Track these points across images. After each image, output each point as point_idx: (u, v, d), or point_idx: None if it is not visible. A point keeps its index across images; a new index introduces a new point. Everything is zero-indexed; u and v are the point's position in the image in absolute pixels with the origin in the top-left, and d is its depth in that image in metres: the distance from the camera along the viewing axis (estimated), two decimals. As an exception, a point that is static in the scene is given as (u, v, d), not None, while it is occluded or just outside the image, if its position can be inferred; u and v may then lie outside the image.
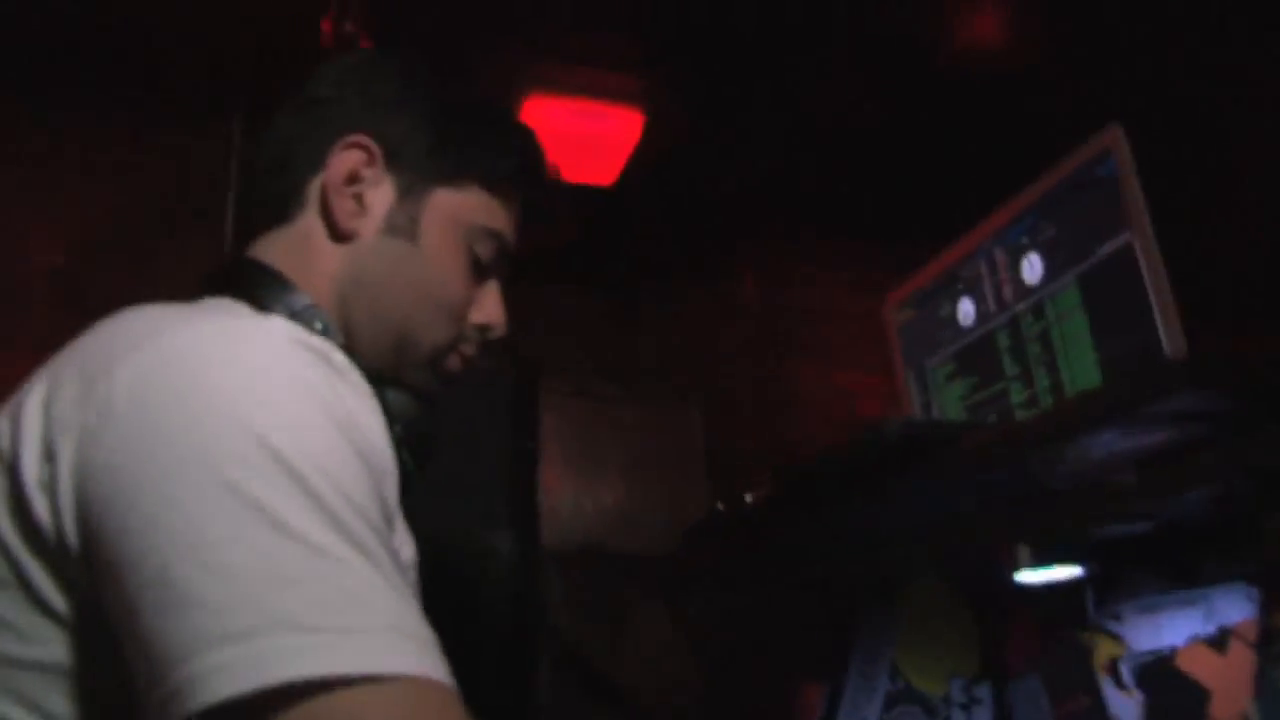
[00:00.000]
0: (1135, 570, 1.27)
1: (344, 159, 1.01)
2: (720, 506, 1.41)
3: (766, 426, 3.79)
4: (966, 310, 1.64)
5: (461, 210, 1.05)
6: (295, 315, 0.95)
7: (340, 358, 0.84)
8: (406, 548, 0.91)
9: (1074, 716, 1.44)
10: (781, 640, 1.65)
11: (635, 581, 2.90)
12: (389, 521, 0.80)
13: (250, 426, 0.72)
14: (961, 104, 3.14)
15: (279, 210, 1.03)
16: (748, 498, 1.35)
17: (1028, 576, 1.28)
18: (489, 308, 1.09)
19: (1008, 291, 1.55)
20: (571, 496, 3.25)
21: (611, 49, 2.61)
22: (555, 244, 2.90)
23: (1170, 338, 1.26)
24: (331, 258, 1.01)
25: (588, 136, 2.75)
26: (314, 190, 1.02)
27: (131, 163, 3.23)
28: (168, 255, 3.14)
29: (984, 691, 1.60)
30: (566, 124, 2.71)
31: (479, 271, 1.07)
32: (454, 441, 2.67)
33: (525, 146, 1.12)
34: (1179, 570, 1.29)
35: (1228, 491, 0.97)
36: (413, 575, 0.91)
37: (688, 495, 3.50)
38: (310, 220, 1.02)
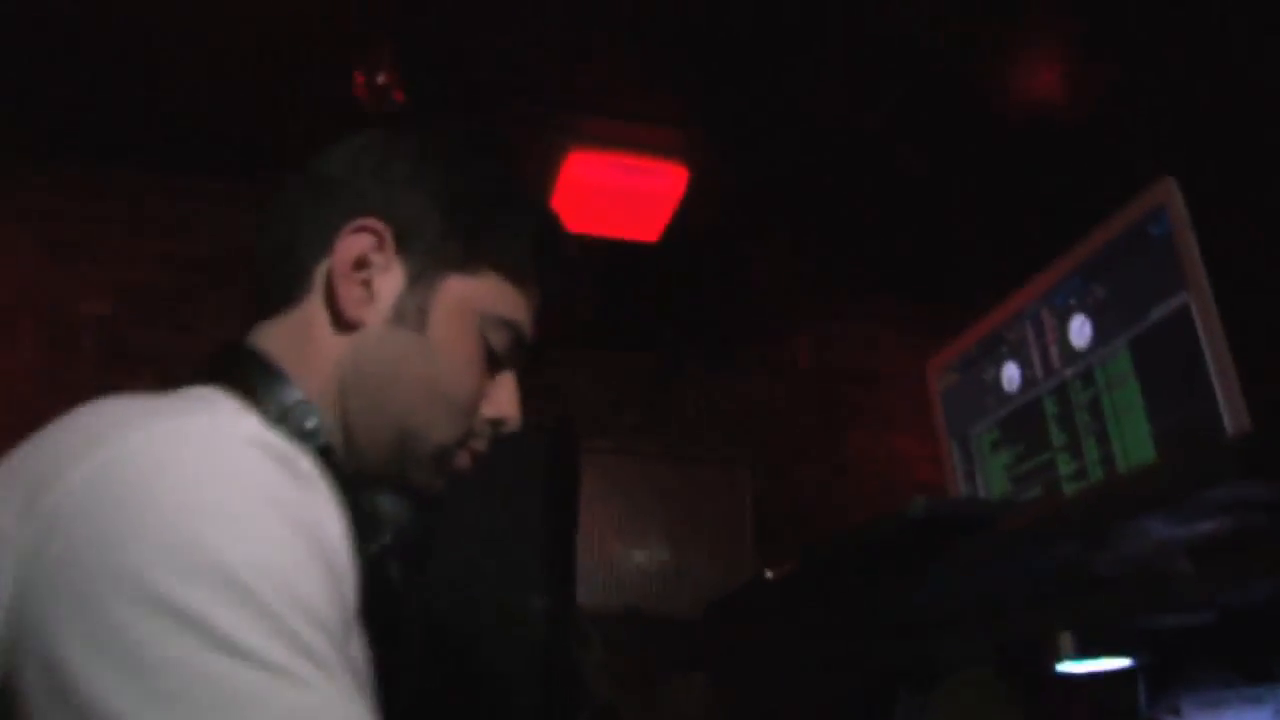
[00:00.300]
0: (1196, 662, 1.16)
1: (351, 243, 0.96)
2: (768, 574, 1.33)
3: (820, 491, 3.69)
4: (1011, 375, 1.54)
5: (475, 299, 0.99)
6: (287, 410, 0.90)
7: (306, 465, 0.81)
8: (360, 654, 0.86)
9: (1129, 819, 1.32)
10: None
11: (673, 649, 2.80)
12: (348, 627, 0.76)
13: (195, 540, 0.67)
14: (1023, 160, 3.05)
15: (283, 294, 0.98)
16: (768, 574, 1.26)
17: (1071, 667, 1.17)
18: (503, 401, 1.03)
19: (1055, 356, 1.45)
20: (611, 558, 3.16)
21: (656, 104, 2.57)
22: (578, 317, 2.86)
23: (1231, 410, 1.16)
24: (334, 347, 0.96)
25: (630, 192, 2.69)
26: (320, 275, 0.97)
27: (177, 220, 3.26)
28: (210, 308, 3.15)
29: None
30: (608, 179, 2.66)
31: (493, 362, 1.01)
32: (490, 501, 2.61)
33: (545, 231, 1.07)
34: (1245, 663, 1.18)
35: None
36: (366, 680, 0.85)
37: (734, 559, 3.39)
38: (314, 306, 0.96)
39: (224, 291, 3.11)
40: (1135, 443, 1.29)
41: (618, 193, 2.68)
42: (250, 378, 0.91)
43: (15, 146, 3.01)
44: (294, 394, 0.91)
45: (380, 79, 2.12)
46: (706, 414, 3.64)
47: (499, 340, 1.01)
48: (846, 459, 3.70)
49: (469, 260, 0.99)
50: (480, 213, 1.01)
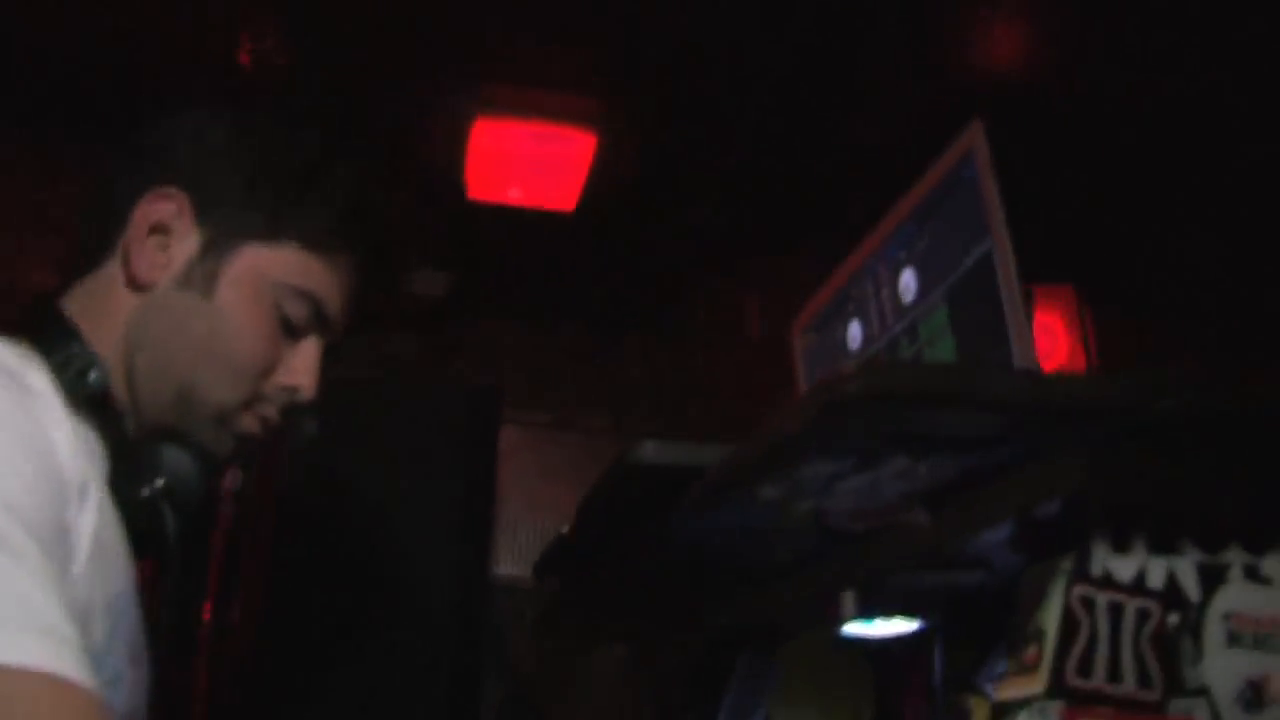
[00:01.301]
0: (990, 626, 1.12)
1: (150, 208, 1.01)
2: (563, 529, 1.31)
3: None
4: (855, 333, 1.49)
5: (271, 268, 1.03)
6: (70, 359, 0.95)
7: (38, 380, 0.89)
8: (117, 579, 0.91)
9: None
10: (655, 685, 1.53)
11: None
12: (62, 528, 0.82)
13: None
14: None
15: (91, 256, 1.04)
16: (564, 529, 1.24)
17: (858, 629, 1.14)
18: (297, 369, 1.06)
19: (889, 311, 1.40)
20: (545, 535, 3.13)
21: (565, 69, 2.52)
22: (416, 290, 2.85)
23: (1023, 357, 1.11)
24: (126, 307, 1.01)
25: (541, 160, 2.65)
26: (119, 234, 1.02)
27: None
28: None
29: (875, 756, 1.45)
30: (518, 147, 2.62)
31: (290, 332, 1.05)
32: (412, 470, 2.59)
33: (358, 204, 1.09)
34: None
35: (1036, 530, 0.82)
36: (125, 603, 0.92)
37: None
38: (114, 268, 1.02)
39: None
40: (947, 397, 1.25)
41: (528, 161, 2.64)
42: (43, 331, 0.97)
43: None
44: (80, 347, 0.96)
45: (267, 43, 2.09)
46: (652, 386, 3.59)
47: (296, 310, 1.04)
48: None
49: (269, 231, 1.03)
50: (284, 185, 1.05)
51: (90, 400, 0.95)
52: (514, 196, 2.74)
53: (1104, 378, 0.70)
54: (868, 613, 1.08)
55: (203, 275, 1.01)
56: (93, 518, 0.87)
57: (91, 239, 1.04)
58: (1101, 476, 0.73)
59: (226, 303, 1.02)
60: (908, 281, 1.35)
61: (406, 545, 2.56)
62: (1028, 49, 3.16)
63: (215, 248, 1.02)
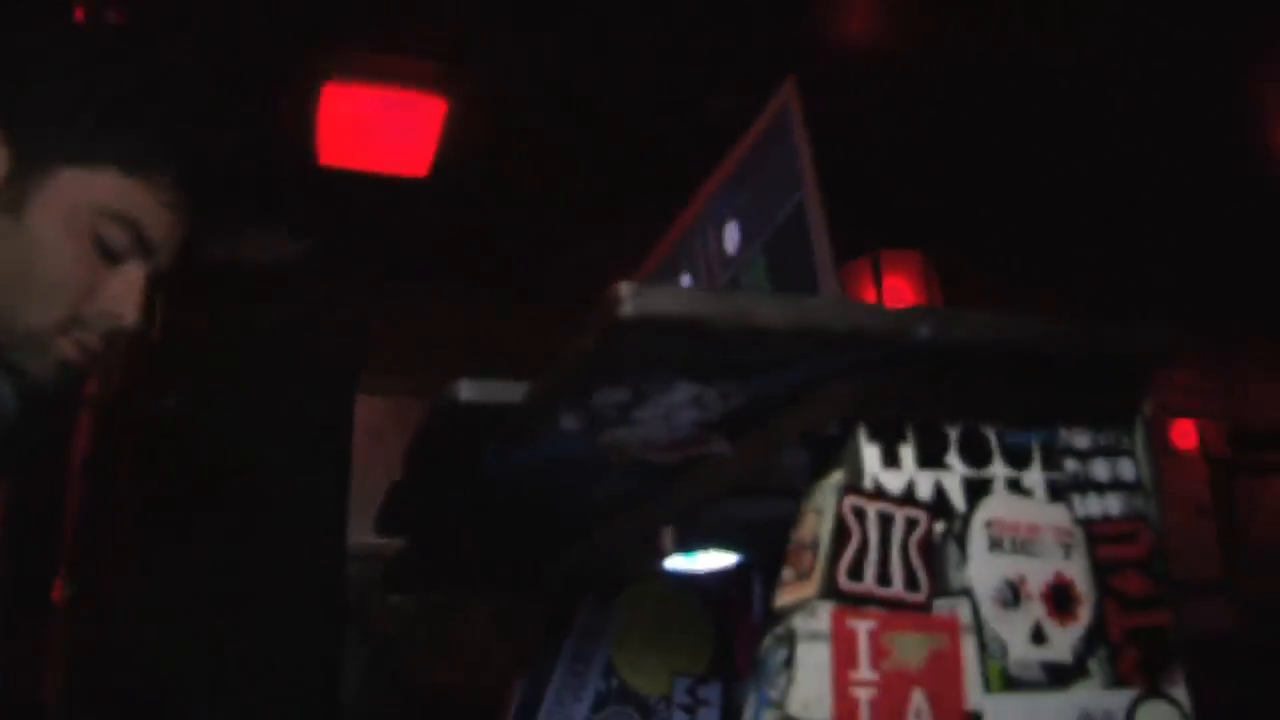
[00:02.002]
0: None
1: None
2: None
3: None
4: (684, 286, 1.55)
5: (87, 191, 1.02)
6: None
7: None
8: None
9: None
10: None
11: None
12: None
13: None
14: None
15: None
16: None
17: (678, 563, 1.19)
18: (116, 294, 1.05)
19: (715, 265, 1.46)
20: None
21: (416, 35, 2.52)
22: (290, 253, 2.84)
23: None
24: None
25: (393, 125, 2.65)
26: None
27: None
28: None
29: (712, 692, 1.51)
30: (369, 112, 2.61)
31: (110, 257, 1.03)
32: (271, 440, 2.57)
33: (172, 128, 1.08)
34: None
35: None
36: None
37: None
38: None
39: None
40: (767, 343, 1.31)
41: (379, 126, 2.63)
42: None
43: None
44: None
45: (106, 3, 2.05)
46: (516, 354, 3.60)
47: (115, 235, 1.03)
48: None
49: (86, 154, 1.01)
50: (103, 109, 1.02)
51: None
52: (366, 162, 2.73)
53: (866, 306, 0.76)
54: (687, 547, 1.13)
55: (10, 198, 1.00)
56: None
57: None
58: (872, 398, 0.79)
59: (35, 224, 1.00)
60: (731, 234, 1.40)
61: (265, 516, 2.55)
62: (885, 19, 3.25)
63: (26, 169, 1.00)
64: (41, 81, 1.02)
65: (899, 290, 3.40)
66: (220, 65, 2.43)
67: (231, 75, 2.26)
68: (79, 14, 2.02)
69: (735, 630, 1.49)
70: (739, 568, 1.25)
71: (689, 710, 1.49)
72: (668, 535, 1.11)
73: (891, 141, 3.33)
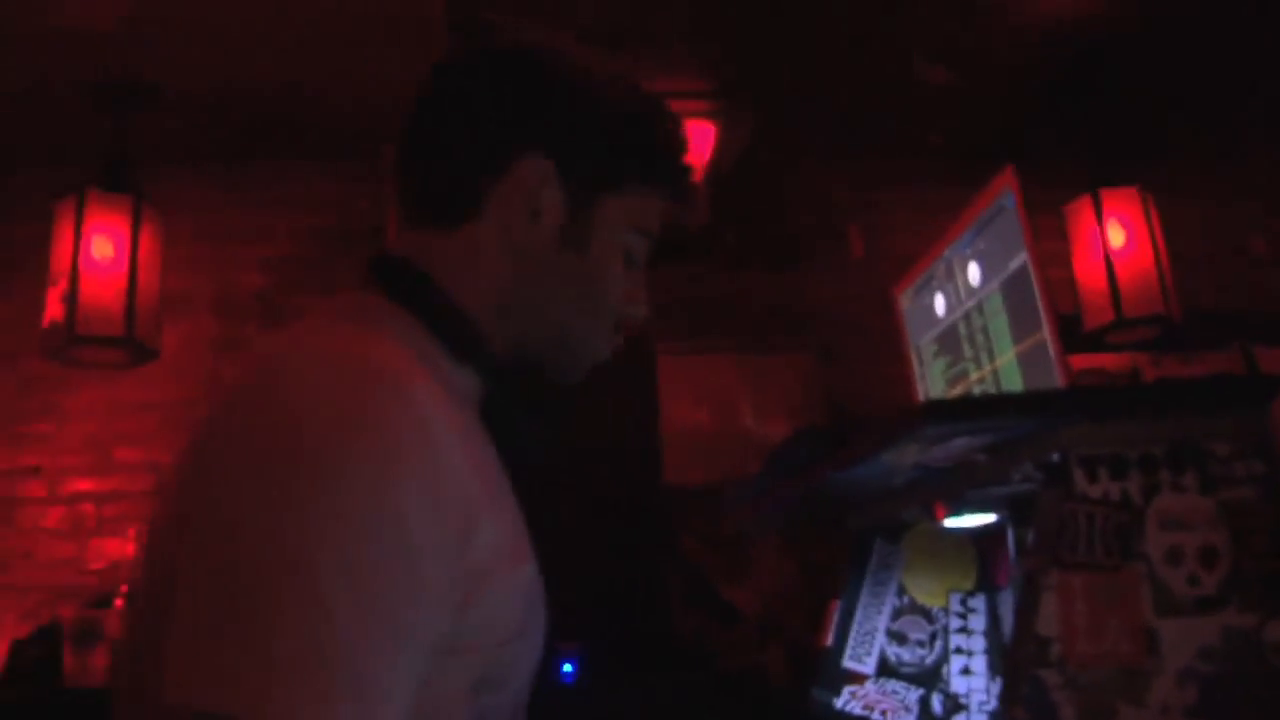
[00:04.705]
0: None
1: (525, 171, 1.03)
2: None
3: (885, 375, 4.09)
4: (940, 303, 2.03)
5: (626, 216, 1.07)
6: (442, 316, 1.00)
7: (422, 389, 0.85)
8: (524, 566, 0.95)
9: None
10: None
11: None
12: (463, 533, 0.84)
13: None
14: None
15: (441, 208, 1.05)
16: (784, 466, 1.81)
17: (953, 522, 1.70)
18: (638, 297, 1.12)
19: (963, 291, 1.93)
20: (696, 441, 3.70)
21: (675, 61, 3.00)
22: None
23: (1051, 341, 1.65)
24: (500, 268, 1.04)
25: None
26: (490, 199, 1.04)
27: (308, 197, 3.86)
28: (344, 270, 3.74)
29: (979, 602, 2.02)
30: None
31: (632, 265, 1.11)
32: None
33: (679, 140, 1.12)
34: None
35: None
36: (525, 577, 0.95)
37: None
38: (483, 229, 1.04)
39: (352, 256, 3.70)
40: (1005, 360, 1.78)
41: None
42: (414, 295, 1.00)
43: (161, 155, 3.59)
44: (455, 312, 1.01)
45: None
46: (773, 314, 4.08)
47: (638, 247, 1.10)
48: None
49: (621, 179, 1.06)
50: (629, 133, 1.07)
51: (467, 355, 1.01)
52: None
53: (1062, 392, 1.24)
54: (958, 512, 1.64)
55: (577, 235, 1.04)
56: (491, 529, 0.87)
57: (435, 189, 1.06)
58: (1077, 438, 1.28)
59: (597, 257, 1.05)
60: (974, 270, 1.87)
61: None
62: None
63: (582, 204, 1.05)
64: (575, 119, 1.05)
65: (1123, 223, 3.67)
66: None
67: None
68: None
69: (994, 559, 1.98)
70: (995, 524, 1.75)
71: (962, 616, 2.00)
72: (944, 505, 1.62)
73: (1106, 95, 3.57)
